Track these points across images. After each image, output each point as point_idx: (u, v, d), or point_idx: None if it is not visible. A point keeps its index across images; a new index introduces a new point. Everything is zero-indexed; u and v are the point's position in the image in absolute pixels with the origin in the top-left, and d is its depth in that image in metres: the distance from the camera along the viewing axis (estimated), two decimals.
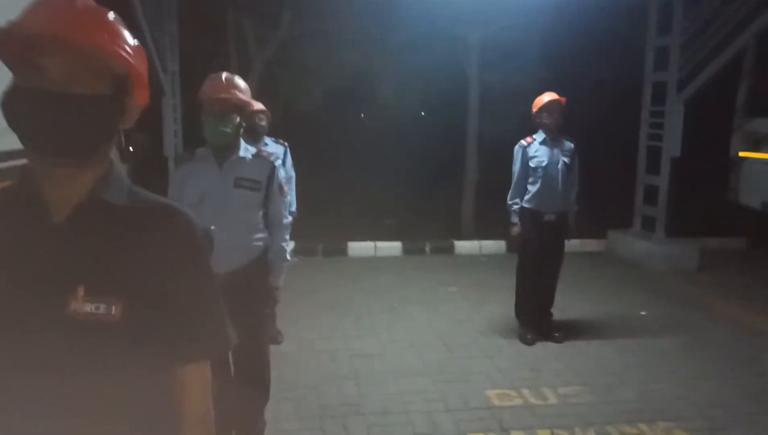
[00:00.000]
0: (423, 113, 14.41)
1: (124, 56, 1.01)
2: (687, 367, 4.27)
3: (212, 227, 2.68)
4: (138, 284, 1.01)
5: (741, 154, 8.45)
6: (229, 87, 2.77)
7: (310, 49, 9.85)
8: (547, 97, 4.51)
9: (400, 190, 10.25)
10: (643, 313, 5.48)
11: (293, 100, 10.15)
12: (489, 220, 8.18)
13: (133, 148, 4.08)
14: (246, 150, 2.87)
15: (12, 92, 0.96)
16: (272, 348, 4.26)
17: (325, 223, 8.11)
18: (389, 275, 6.53)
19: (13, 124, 0.95)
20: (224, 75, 2.84)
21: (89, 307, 0.96)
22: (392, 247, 7.50)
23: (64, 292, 0.96)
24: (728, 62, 6.74)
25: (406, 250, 7.51)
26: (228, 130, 2.74)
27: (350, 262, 7.13)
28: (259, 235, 2.84)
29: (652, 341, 4.73)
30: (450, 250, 7.64)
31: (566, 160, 4.56)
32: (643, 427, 3.40)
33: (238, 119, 2.78)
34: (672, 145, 7.13)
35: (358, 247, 7.43)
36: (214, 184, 2.76)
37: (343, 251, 7.38)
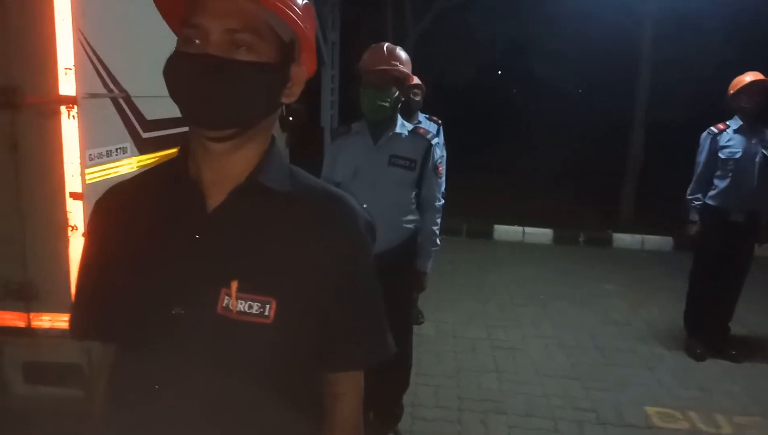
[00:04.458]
0: (580, 90, 13.46)
1: (293, 17, 0.88)
2: None
3: (364, 205, 2.62)
4: (295, 283, 0.90)
5: None
6: (390, 58, 2.64)
7: (467, 20, 9.54)
8: (750, 77, 3.83)
9: (554, 172, 9.67)
10: None
11: (446, 74, 9.92)
12: (653, 212, 7.42)
13: (292, 117, 4.13)
14: (403, 126, 2.74)
15: (173, 59, 0.87)
16: (418, 329, 4.21)
17: (471, 203, 7.86)
18: (537, 264, 6.16)
19: (173, 93, 0.87)
20: (386, 45, 2.71)
21: (242, 306, 0.86)
22: (542, 234, 7.07)
23: (215, 288, 0.87)
24: None
25: (557, 239, 7.03)
26: (386, 103, 2.62)
27: (495, 246, 6.84)
28: (411, 217, 2.71)
29: None
30: (607, 242, 7.02)
31: (766, 152, 3.87)
32: None
33: (397, 93, 2.65)
34: None
35: (505, 231, 7.11)
36: (368, 160, 2.67)
37: (489, 234, 7.10)
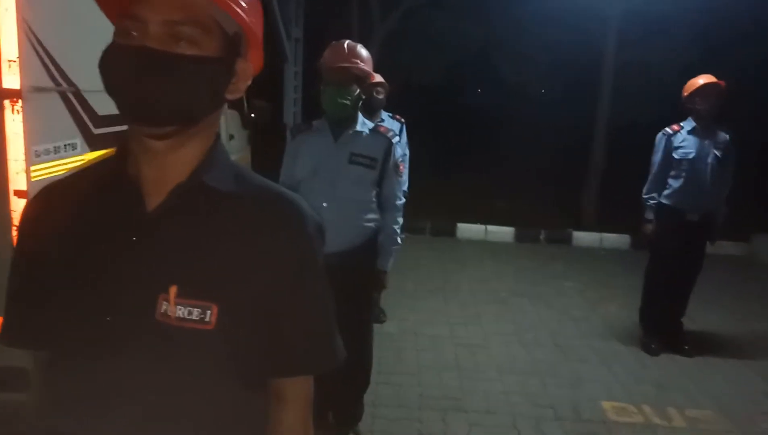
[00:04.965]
0: (543, 90, 13.63)
1: (237, 10, 0.84)
2: None
3: (324, 204, 2.60)
4: (239, 286, 0.86)
5: None
6: (350, 56, 2.62)
7: (433, 20, 9.57)
8: (703, 79, 3.94)
9: (517, 171, 9.79)
10: None
11: (412, 73, 9.93)
12: (613, 211, 7.58)
13: (255, 114, 4.08)
14: (364, 124, 2.73)
15: (109, 51, 0.83)
16: (374, 328, 4.19)
17: (435, 202, 7.91)
18: (499, 262, 6.23)
19: (109, 88, 0.83)
20: (346, 43, 2.69)
21: (181, 312, 0.83)
22: (504, 232, 7.15)
23: (153, 293, 0.83)
24: None
25: (519, 237, 7.12)
26: (346, 101, 2.60)
27: (458, 244, 6.89)
28: (371, 216, 2.70)
29: None
30: (567, 240, 7.15)
31: (718, 153, 3.98)
32: None
33: (357, 91, 2.63)
34: None
35: (468, 229, 7.17)
36: (328, 158, 2.64)
37: (452, 232, 7.15)
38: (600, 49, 7.99)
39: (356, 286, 2.63)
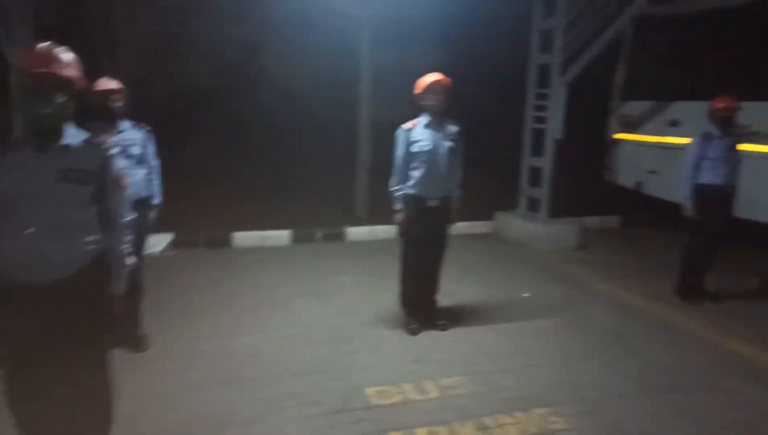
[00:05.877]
0: (323, 94, 13.93)
1: None
2: (565, 348, 4.34)
3: (30, 230, 2.27)
4: None
5: (615, 136, 8.95)
6: (47, 60, 2.33)
7: (189, 23, 9.19)
8: (431, 78, 4.33)
9: (290, 174, 9.87)
10: (526, 294, 5.57)
11: (169, 78, 9.42)
12: (382, 204, 8.03)
13: None
14: (73, 136, 2.44)
15: None
16: (141, 356, 3.93)
17: (208, 212, 7.63)
18: (278, 266, 6.18)
19: None
20: (44, 45, 2.39)
21: None
22: (281, 236, 7.14)
23: None
24: (607, 46, 7.00)
25: (296, 239, 7.18)
26: (48, 111, 2.31)
27: (236, 254, 6.68)
28: (92, 237, 2.42)
29: (534, 323, 4.79)
30: (342, 236, 7.41)
31: (450, 144, 4.43)
32: (519, 415, 3.36)
33: (62, 99, 2.35)
34: (555, 127, 7.31)
35: (244, 237, 7.00)
36: (32, 178, 2.31)
37: (228, 242, 6.92)
38: (358, 50, 8.38)
39: (80, 316, 2.37)
